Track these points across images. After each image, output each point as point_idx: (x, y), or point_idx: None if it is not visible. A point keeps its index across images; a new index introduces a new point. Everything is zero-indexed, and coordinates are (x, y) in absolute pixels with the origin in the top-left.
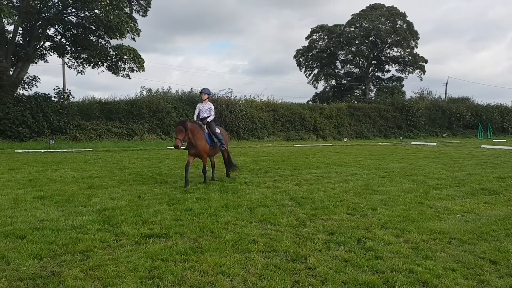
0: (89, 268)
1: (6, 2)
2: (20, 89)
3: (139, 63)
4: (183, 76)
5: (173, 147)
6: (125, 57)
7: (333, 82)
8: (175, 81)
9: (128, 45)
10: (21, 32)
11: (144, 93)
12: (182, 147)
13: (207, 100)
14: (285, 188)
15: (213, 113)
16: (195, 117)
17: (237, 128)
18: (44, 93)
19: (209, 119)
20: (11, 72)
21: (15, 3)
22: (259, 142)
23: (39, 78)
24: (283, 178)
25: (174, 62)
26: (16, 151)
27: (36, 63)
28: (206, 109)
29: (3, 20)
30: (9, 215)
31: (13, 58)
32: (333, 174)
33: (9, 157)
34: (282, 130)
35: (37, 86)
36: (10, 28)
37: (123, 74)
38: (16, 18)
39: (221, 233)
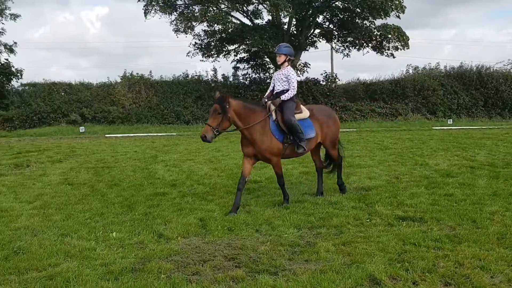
0: (341, 242)
1: None
2: None
3: (403, 41)
4: (455, 50)
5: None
6: (389, 36)
7: None
8: (445, 56)
9: (392, 24)
10: (294, 23)
11: (410, 71)
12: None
13: (286, 65)
14: None
15: (295, 85)
16: (267, 93)
17: None
18: (314, 78)
19: (284, 96)
20: None
21: None
22: None
23: (310, 64)
24: None
25: (445, 36)
26: None
27: (308, 50)
28: (282, 79)
29: (280, 13)
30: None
31: None
32: None
33: None
34: None
35: (307, 72)
36: (285, 20)
37: (387, 54)
38: (290, 10)
39: (484, 224)
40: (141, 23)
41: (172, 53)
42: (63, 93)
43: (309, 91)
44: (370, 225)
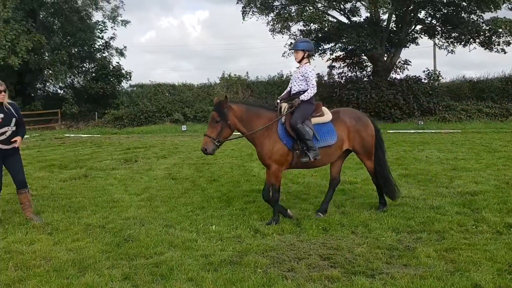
0: (443, 249)
1: None
2: (392, 73)
3: None
4: None
5: None
6: (500, 30)
7: None
8: None
9: (504, 17)
10: (394, 19)
11: None
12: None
13: (305, 62)
14: None
15: (314, 84)
16: (284, 93)
17: None
18: (415, 76)
19: (303, 96)
20: (385, 58)
21: None
22: None
23: (410, 62)
24: None
25: None
26: (388, 131)
27: (408, 47)
28: (298, 79)
29: (379, 10)
30: (375, 189)
31: (387, 45)
32: None
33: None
34: None
35: (408, 69)
36: (384, 17)
37: (497, 49)
38: (389, 6)
39: None
40: (239, 25)
41: (268, 54)
42: (167, 94)
43: (410, 89)
44: (476, 232)
